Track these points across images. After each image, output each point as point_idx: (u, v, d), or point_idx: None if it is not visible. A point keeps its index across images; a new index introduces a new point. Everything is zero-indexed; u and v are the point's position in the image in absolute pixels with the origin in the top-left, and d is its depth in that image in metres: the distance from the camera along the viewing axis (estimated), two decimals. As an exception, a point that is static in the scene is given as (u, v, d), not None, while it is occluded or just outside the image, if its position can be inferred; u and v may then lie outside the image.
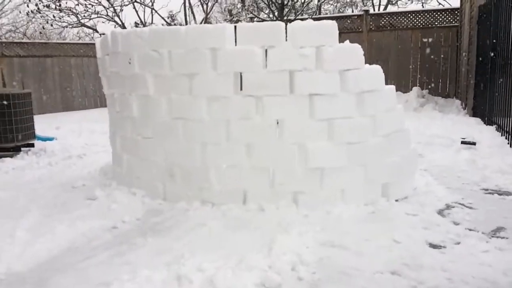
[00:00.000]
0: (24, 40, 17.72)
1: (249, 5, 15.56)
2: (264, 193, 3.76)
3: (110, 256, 2.90)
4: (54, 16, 16.29)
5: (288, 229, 3.18)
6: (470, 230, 3.18)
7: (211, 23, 20.43)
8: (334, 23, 3.70)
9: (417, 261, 2.69)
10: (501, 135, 6.45)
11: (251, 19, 13.83)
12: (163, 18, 19.03)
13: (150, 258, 2.84)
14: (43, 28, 17.93)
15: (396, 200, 3.80)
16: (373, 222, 3.36)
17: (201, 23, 18.82)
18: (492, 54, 7.42)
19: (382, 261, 2.71)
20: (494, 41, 7.37)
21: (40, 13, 15.84)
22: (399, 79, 11.59)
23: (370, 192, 3.79)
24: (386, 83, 3.98)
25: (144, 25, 18.51)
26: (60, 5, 15.62)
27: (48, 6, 15.56)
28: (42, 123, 9.08)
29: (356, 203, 3.69)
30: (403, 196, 3.88)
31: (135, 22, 19.94)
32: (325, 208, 3.59)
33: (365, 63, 3.81)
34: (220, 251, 2.88)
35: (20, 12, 18.63)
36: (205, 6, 18.15)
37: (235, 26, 3.72)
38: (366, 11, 12.30)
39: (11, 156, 6.17)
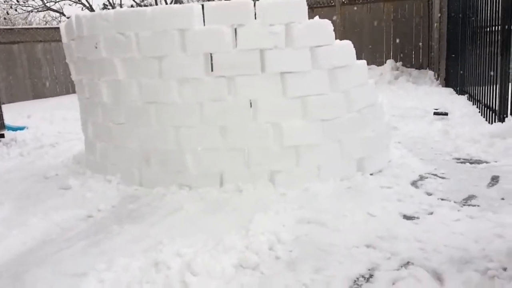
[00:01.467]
0: (-12, 27, 17.06)
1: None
2: (240, 174, 3.75)
3: (86, 245, 2.87)
4: (18, 1, 15.69)
5: (265, 209, 3.19)
6: (442, 199, 3.26)
7: (182, 2, 20.00)
8: (302, 0, 3.66)
9: (392, 233, 2.74)
10: (473, 104, 6.57)
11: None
12: (132, -2, 18.55)
13: (127, 245, 2.82)
14: (7, 14, 17.27)
15: (371, 174, 3.85)
16: (349, 197, 3.40)
17: (171, 2, 18.41)
18: (461, 22, 7.50)
19: (358, 235, 2.75)
20: (463, 10, 7.43)
21: (2, -3, 15.24)
22: (373, 52, 11.62)
23: (346, 168, 3.82)
24: (360, 57, 3.98)
25: (113, 7, 18.02)
26: (23, -12, 15.06)
27: (11, -10, 14.98)
28: (12, 112, 8.83)
29: (333, 179, 3.72)
30: (378, 169, 3.93)
31: (103, 4, 19.39)
32: (302, 186, 3.61)
33: (339, 37, 3.82)
34: (198, 234, 2.87)
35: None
36: (175, -15, 17.74)
37: (203, 6, 3.64)
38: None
39: (-19, 148, 6.00)
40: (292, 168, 3.72)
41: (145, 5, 19.82)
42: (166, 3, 18.89)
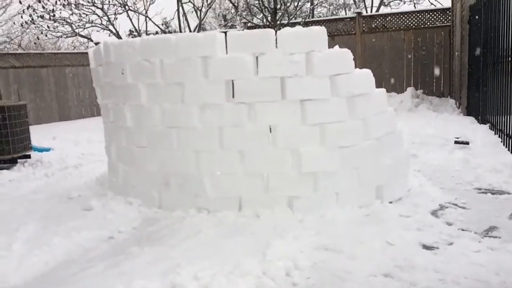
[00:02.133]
0: (19, 51, 17.76)
1: (242, 10, 15.63)
2: (259, 198, 3.78)
3: (106, 266, 2.92)
4: (48, 27, 16.38)
5: (283, 234, 3.21)
6: (463, 230, 3.21)
7: (205, 29, 20.52)
8: (322, 29, 3.75)
9: (410, 263, 2.71)
10: (494, 134, 6.49)
11: (245, 24, 13.88)
12: (157, 25, 19.13)
13: (146, 267, 2.86)
14: (38, 39, 17.98)
15: (390, 202, 3.83)
16: (367, 224, 3.39)
17: (195, 29, 18.90)
18: (483, 52, 7.48)
19: (376, 264, 2.74)
20: (485, 40, 7.43)
21: (34, 23, 15.92)
22: (394, 80, 11.65)
23: (364, 195, 3.82)
24: (380, 85, 4.04)
25: (139, 33, 18.58)
26: (54, 16, 15.70)
27: (42, 17, 15.64)
28: (39, 134, 9.10)
29: (351, 206, 3.72)
30: (397, 197, 3.91)
31: (129, 30, 20.03)
32: (320, 212, 3.62)
33: (359, 65, 3.91)
34: (215, 258, 2.90)
35: (14, 23, 18.64)
36: (199, 13, 18.25)
37: (226, 34, 3.76)
38: (359, 13, 12.37)
39: (8, 168, 6.19)
40: (310, 194, 3.73)
41: (169, 32, 20.38)
42: (190, 30, 19.40)
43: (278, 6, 13.07)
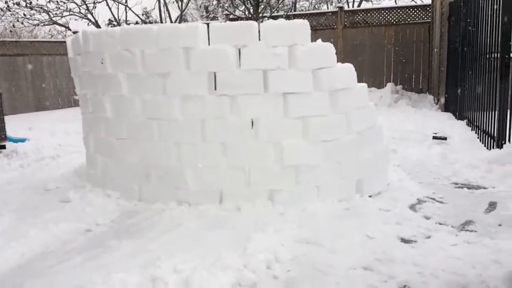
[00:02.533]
0: (-6, 39, 17.24)
1: (224, 2, 15.50)
2: (240, 192, 3.77)
3: (84, 259, 2.87)
4: (24, 14, 15.92)
5: (264, 228, 3.21)
6: (440, 224, 3.27)
7: (187, 20, 20.30)
8: (305, 22, 3.73)
9: (389, 256, 2.75)
10: (471, 130, 6.62)
11: (227, 16, 13.78)
12: (137, 15, 18.83)
13: (125, 260, 2.82)
14: (14, 26, 17.48)
15: (370, 196, 3.87)
16: (347, 218, 3.42)
17: (176, 20, 18.68)
18: (461, 49, 7.61)
19: (356, 257, 2.76)
20: (463, 37, 7.56)
21: (10, 11, 15.46)
22: (374, 75, 11.76)
23: (345, 189, 3.85)
24: (361, 79, 4.04)
25: (118, 23, 18.26)
26: (30, 3, 15.28)
27: (18, 4, 15.19)
28: (14, 124, 8.87)
29: (331, 200, 3.74)
30: (377, 191, 3.96)
31: (109, 20, 19.67)
32: (301, 206, 3.63)
33: (340, 59, 3.88)
34: (196, 251, 2.89)
35: (-12, 10, 18.11)
36: (180, 3, 18.02)
37: (208, 25, 3.71)
38: (341, 8, 12.41)
39: (-18, 159, 6.02)
40: (292, 187, 3.74)
41: (149, 22, 20.10)
42: (171, 21, 19.16)
43: (261, -2, 13.02)
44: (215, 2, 18.49)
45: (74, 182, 4.60)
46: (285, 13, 13.20)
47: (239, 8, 15.39)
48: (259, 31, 3.66)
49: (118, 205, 3.88)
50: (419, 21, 11.70)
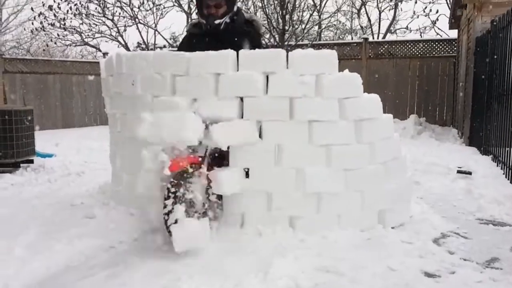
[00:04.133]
0: (27, 57, 17.92)
1: (250, 30, 15.81)
2: (261, 217, 3.79)
3: (107, 276, 2.91)
4: (58, 34, 16.53)
5: (284, 254, 3.21)
6: (464, 260, 3.21)
7: (212, 45, 20.70)
8: (333, 52, 3.81)
9: None
10: (497, 165, 6.53)
11: (253, 43, 14.04)
12: (165, 39, 19.32)
13: (146, 280, 2.85)
14: (47, 46, 18.16)
15: (392, 228, 3.83)
16: (368, 248, 3.39)
17: (203, 45, 19.07)
18: (487, 84, 7.58)
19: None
20: (490, 72, 7.53)
21: (44, 31, 16.09)
22: (397, 106, 11.74)
23: (367, 219, 3.82)
24: (384, 110, 4.06)
25: (147, 46, 18.77)
26: (64, 24, 15.88)
27: (52, 25, 15.81)
28: (42, 140, 9.12)
29: (352, 229, 3.72)
30: (399, 223, 3.92)
31: (138, 43, 20.26)
32: (322, 233, 3.62)
33: (364, 90, 3.91)
34: (216, 275, 2.90)
35: (24, 29, 18.89)
36: (207, 29, 18.45)
37: (237, 53, 3.81)
38: (366, 39, 12.54)
39: (10, 172, 6.20)
40: (313, 214, 3.74)
41: (177, 46, 20.61)
42: (197, 46, 19.57)
43: (287, 27, 13.26)
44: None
45: (98, 199, 4.68)
46: (310, 43, 13.39)
47: (265, 37, 15.68)
48: (287, 59, 3.74)
49: (141, 223, 3.93)
50: (444, 54, 11.73)
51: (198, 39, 4.24)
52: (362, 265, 3.07)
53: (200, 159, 3.61)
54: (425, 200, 4.75)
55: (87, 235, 3.58)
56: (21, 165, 6.50)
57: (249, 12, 14.57)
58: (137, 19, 16.80)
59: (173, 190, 3.36)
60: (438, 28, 18.93)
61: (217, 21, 4.06)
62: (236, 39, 4.04)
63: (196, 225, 3.28)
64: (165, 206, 3.32)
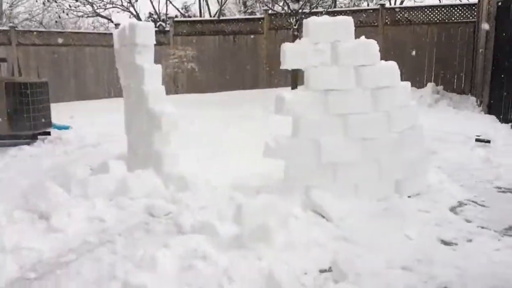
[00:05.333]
0: (40, 29, 17.90)
1: (263, -3, 15.47)
2: (277, 187, 3.79)
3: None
4: (70, 6, 16.43)
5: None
6: (482, 228, 3.20)
7: (225, 15, 20.41)
8: (349, 19, 3.72)
9: (429, 257, 2.71)
10: (516, 134, 6.39)
11: (266, 11, 13.77)
12: (177, 9, 19.08)
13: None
14: (59, 17, 18.08)
15: (409, 197, 3.81)
16: (385, 218, 3.37)
17: (215, 15, 18.82)
18: (509, 50, 7.35)
19: (394, 257, 2.74)
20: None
21: (56, 2, 15.99)
22: (414, 74, 11.47)
23: (384, 188, 3.80)
24: (401, 78, 3.98)
25: (159, 16, 18.58)
26: (76, -5, 15.75)
27: (64, -4, 15.70)
28: (57, 112, 9.18)
29: (369, 199, 3.70)
30: (416, 192, 3.89)
31: (149, 13, 20.03)
32: (338, 203, 3.61)
33: (380, 57, 3.82)
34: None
35: (36, 1, 18.77)
36: (219, -2, 18.14)
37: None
38: (382, 5, 12.19)
39: (29, 144, 6.29)
40: (329, 184, 3.73)
41: (189, 16, 20.34)
42: (210, 16, 19.32)
43: (301, -6, 12.94)
44: (254, -3, 18.51)
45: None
46: (325, 10, 13.07)
47: (279, 3, 15.36)
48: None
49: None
50: (463, 20, 11.34)
51: None
52: (379, 234, 3.07)
53: None
54: (442, 169, 4.68)
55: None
56: (39, 137, 6.58)
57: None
58: (148, -11, 16.58)
59: None
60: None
61: None
62: None
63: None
64: None
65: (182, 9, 20.83)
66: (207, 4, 19.35)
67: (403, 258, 2.72)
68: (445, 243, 2.95)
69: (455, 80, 11.50)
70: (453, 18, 11.40)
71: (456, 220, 3.33)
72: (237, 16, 19.05)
